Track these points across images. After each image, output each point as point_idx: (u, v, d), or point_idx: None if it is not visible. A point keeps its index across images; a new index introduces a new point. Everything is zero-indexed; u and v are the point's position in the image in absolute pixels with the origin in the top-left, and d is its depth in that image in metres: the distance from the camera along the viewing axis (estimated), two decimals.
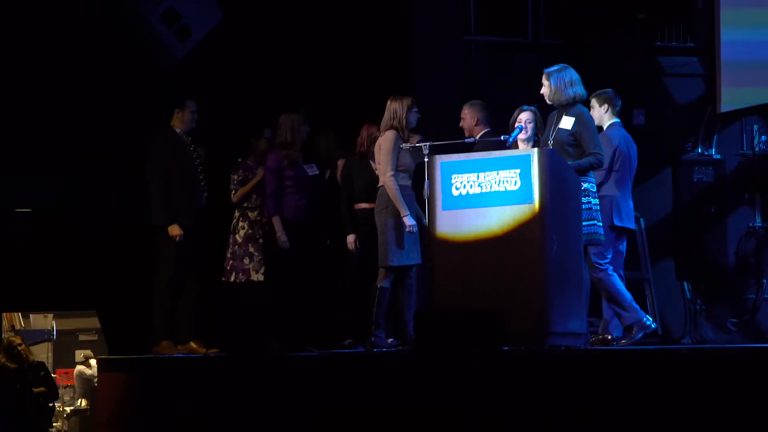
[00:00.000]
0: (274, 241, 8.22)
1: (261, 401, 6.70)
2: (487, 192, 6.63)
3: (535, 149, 6.77)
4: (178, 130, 8.25)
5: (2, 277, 10.02)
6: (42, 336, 14.79)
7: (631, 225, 7.91)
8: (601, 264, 7.33)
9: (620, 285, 7.42)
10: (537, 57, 9.87)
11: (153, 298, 8.16)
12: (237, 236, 8.59)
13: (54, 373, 13.62)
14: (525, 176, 6.55)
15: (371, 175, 8.20)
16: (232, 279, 8.56)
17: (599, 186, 7.44)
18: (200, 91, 8.77)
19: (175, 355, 7.91)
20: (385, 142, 7.89)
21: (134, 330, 8.90)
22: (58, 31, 9.51)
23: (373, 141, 8.14)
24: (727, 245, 10.54)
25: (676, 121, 10.52)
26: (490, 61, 10.20)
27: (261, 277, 8.48)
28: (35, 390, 11.50)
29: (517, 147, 7.37)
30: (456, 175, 6.72)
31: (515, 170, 6.58)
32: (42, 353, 14.49)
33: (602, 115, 7.88)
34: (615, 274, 7.42)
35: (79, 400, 13.93)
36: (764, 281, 10.49)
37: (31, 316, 15.75)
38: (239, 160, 8.74)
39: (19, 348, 11.39)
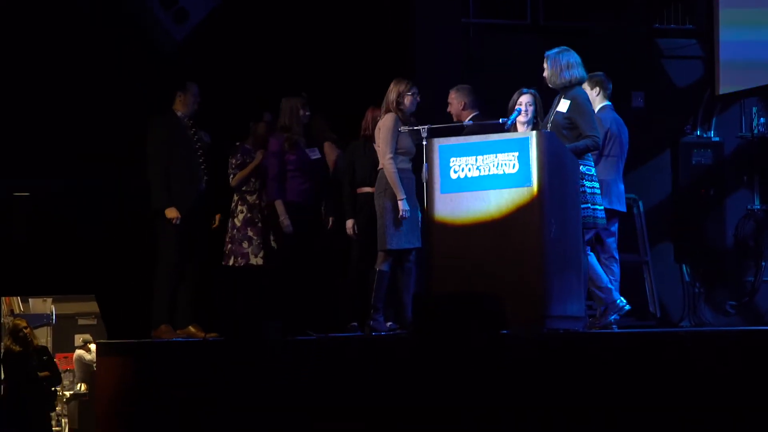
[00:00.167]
0: (275, 225, 8.21)
1: (259, 385, 6.70)
2: (486, 175, 6.62)
3: (534, 132, 6.76)
4: (179, 114, 8.24)
5: (1, 262, 10.02)
6: (41, 320, 14.79)
7: (621, 208, 7.90)
8: None
9: (597, 266, 7.42)
10: (536, 39, 9.84)
11: (153, 282, 8.16)
12: (236, 220, 8.59)
13: (53, 358, 13.63)
14: (523, 159, 6.54)
15: (375, 159, 8.19)
16: (231, 263, 8.56)
17: None
18: (198, 74, 8.75)
19: (174, 339, 7.92)
20: (384, 124, 7.88)
21: (133, 314, 8.90)
22: (57, 30, 9.49)
23: (377, 124, 8.13)
24: (726, 228, 10.55)
25: (675, 103, 10.51)
26: (489, 44, 10.18)
27: (260, 261, 8.48)
28: (40, 374, 11.54)
29: (515, 130, 7.36)
30: (454, 158, 6.71)
31: (513, 153, 6.56)
32: (41, 337, 14.47)
33: (593, 98, 7.86)
34: (592, 254, 7.42)
35: (79, 385, 13.95)
36: (763, 264, 10.49)
37: (30, 300, 15.75)
38: (237, 143, 8.73)
39: (25, 331, 11.42)
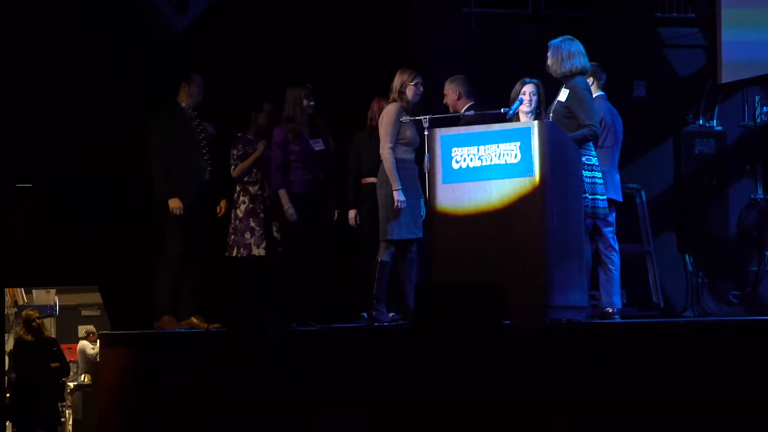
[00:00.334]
0: (278, 215, 8.21)
1: (261, 377, 6.71)
2: (488, 165, 6.61)
3: (536, 122, 6.75)
4: (184, 105, 8.24)
5: (5, 253, 10.03)
6: (45, 312, 14.79)
7: (617, 198, 7.89)
8: None
9: None
10: (537, 29, 9.83)
11: (156, 273, 8.16)
12: (238, 211, 8.58)
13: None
14: (525, 149, 6.53)
15: (371, 148, 8.18)
16: (234, 254, 8.56)
17: None
18: (200, 65, 8.75)
19: (177, 330, 7.92)
20: (386, 114, 7.88)
21: (136, 305, 8.91)
22: (57, 29, 9.49)
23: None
24: (729, 217, 10.53)
25: (677, 92, 10.49)
26: (490, 34, 10.16)
27: (262, 252, 8.47)
28: (52, 365, 11.57)
29: (517, 119, 7.35)
30: (456, 149, 6.70)
31: (515, 143, 6.56)
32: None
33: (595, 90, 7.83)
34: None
35: (82, 376, 13.97)
36: (766, 253, 10.47)
37: (33, 291, 15.76)
38: (239, 134, 8.72)
39: (38, 321, 11.44)
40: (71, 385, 13.90)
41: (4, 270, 10.21)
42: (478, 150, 6.65)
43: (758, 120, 10.58)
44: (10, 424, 11.83)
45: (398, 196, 7.78)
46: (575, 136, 7.04)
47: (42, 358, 11.41)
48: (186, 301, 8.16)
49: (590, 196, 7.15)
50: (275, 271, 8.27)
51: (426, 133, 7.16)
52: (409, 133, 7.86)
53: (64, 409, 13.74)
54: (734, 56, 10.20)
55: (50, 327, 15.33)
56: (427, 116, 7.38)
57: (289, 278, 8.12)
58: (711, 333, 5.74)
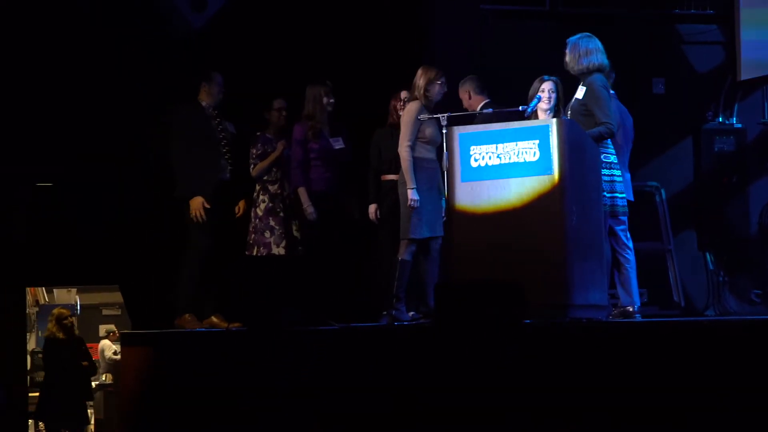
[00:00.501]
0: (299, 213, 8.22)
1: (281, 376, 6.71)
2: (506, 163, 6.61)
3: (554, 119, 6.74)
4: (204, 104, 8.25)
5: (26, 252, 10.08)
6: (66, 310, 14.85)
7: (629, 196, 7.86)
8: None
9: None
10: (555, 26, 9.81)
11: (179, 270, 8.15)
12: (258, 210, 8.59)
13: None
14: (544, 147, 6.52)
15: (391, 145, 8.19)
16: (255, 253, 8.57)
17: None
18: (218, 63, 8.76)
19: (197, 329, 7.93)
20: (406, 113, 7.88)
21: (157, 304, 8.92)
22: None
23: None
24: (750, 215, 10.49)
25: (696, 89, 10.46)
26: (507, 31, 10.14)
27: (282, 251, 8.48)
28: (83, 363, 11.60)
29: (536, 117, 7.34)
30: (474, 147, 6.70)
31: (534, 141, 6.55)
32: None
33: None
34: None
35: (104, 375, 14.00)
36: None
37: (54, 290, 15.82)
38: (258, 133, 8.73)
39: (70, 319, 11.47)
40: (93, 384, 13.95)
41: (26, 269, 10.26)
42: (496, 148, 6.65)
43: None
44: (41, 423, 11.86)
45: (412, 195, 7.78)
46: (591, 133, 7.02)
47: (73, 356, 11.42)
48: (206, 300, 8.16)
49: (609, 195, 7.14)
50: (295, 270, 8.28)
51: (444, 131, 7.16)
52: (429, 131, 7.85)
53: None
54: (753, 53, 10.17)
55: None
56: (446, 114, 7.37)
57: (309, 277, 8.12)
58: (732, 332, 5.72)
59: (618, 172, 7.20)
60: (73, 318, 11.64)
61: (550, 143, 6.51)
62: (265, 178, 8.60)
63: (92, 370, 12.07)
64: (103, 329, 15.15)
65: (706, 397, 5.53)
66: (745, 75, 10.24)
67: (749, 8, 10.22)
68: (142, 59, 9.54)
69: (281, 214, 8.52)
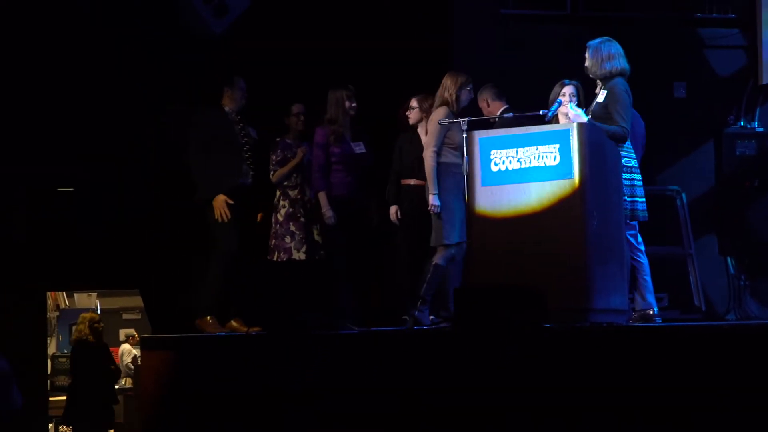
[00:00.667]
0: (320, 218, 8.21)
1: (301, 380, 6.72)
2: (527, 167, 6.59)
3: (575, 123, 6.72)
4: (227, 109, 8.25)
5: (47, 257, 10.11)
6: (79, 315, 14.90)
7: None
8: None
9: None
10: (575, 30, 9.78)
11: (206, 271, 8.11)
12: (278, 215, 8.59)
13: None
14: (564, 151, 6.51)
15: (417, 150, 8.18)
16: (275, 258, 8.56)
17: None
18: (240, 68, 8.77)
19: (217, 333, 7.93)
20: (435, 118, 7.85)
21: (177, 308, 8.93)
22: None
23: (426, 114, 8.11)
24: None
25: (717, 93, 10.42)
26: (528, 35, 10.13)
27: (302, 256, 8.47)
28: (112, 367, 11.62)
29: (557, 122, 7.32)
30: (495, 151, 6.69)
31: (554, 145, 6.54)
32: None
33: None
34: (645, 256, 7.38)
35: (123, 380, 14.02)
36: None
37: (75, 295, 15.87)
38: (277, 139, 8.73)
39: (101, 324, 11.49)
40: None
41: (47, 274, 10.29)
42: (517, 152, 6.64)
43: None
44: (69, 428, 11.84)
45: (433, 200, 7.76)
46: (606, 129, 6.98)
47: (101, 360, 11.43)
48: (228, 303, 8.15)
49: (629, 199, 7.11)
50: (316, 275, 8.28)
51: (464, 135, 7.14)
52: (458, 137, 7.82)
53: None
54: None
55: None
56: (466, 119, 7.37)
57: (329, 281, 8.12)
58: (753, 337, 5.69)
59: (638, 176, 7.17)
60: (102, 324, 11.64)
61: (571, 147, 6.50)
62: (285, 183, 8.60)
63: (117, 374, 12.08)
64: (123, 333, 15.16)
65: (727, 401, 5.51)
66: (767, 79, 10.19)
67: None
68: (142, 59, 9.54)
69: (302, 219, 8.52)
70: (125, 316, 16.04)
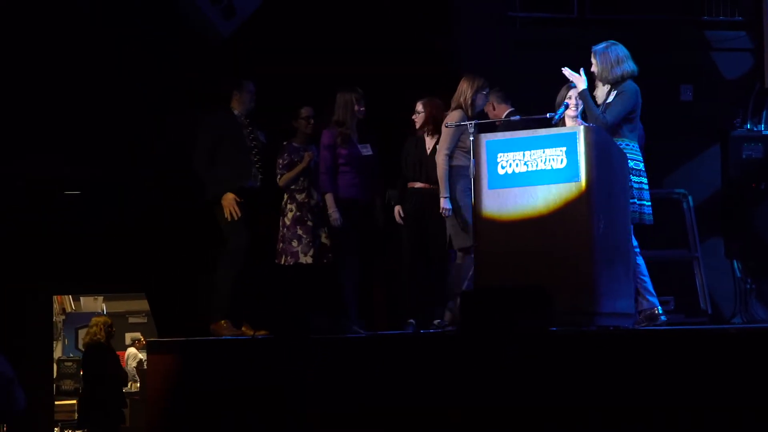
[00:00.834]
0: (328, 221, 8.20)
1: (306, 383, 6.71)
2: (533, 170, 6.58)
3: (581, 126, 6.71)
4: (236, 112, 8.26)
5: (53, 261, 10.12)
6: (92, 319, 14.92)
7: None
8: None
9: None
10: (582, 32, 9.78)
11: (216, 275, 8.10)
12: (286, 219, 8.58)
13: None
14: (571, 154, 6.50)
15: (420, 154, 8.17)
16: (282, 262, 8.56)
17: None
18: (247, 71, 8.78)
19: (223, 337, 7.92)
20: (449, 121, 7.84)
21: (183, 312, 8.93)
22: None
23: (431, 116, 8.10)
24: None
25: (724, 96, 10.40)
26: (535, 38, 10.12)
27: (309, 260, 8.46)
28: (120, 371, 11.64)
29: (563, 125, 7.31)
30: (501, 154, 6.68)
31: (561, 148, 6.53)
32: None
33: (604, 95, 7.58)
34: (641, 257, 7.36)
35: (129, 383, 14.05)
36: None
37: (81, 298, 15.90)
38: (285, 143, 8.73)
39: (113, 328, 11.50)
40: None
41: (53, 277, 10.30)
42: (523, 155, 6.63)
43: None
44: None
45: (444, 204, 7.76)
46: (590, 104, 6.99)
47: (112, 363, 11.45)
48: (240, 306, 8.13)
49: (638, 202, 7.10)
50: (323, 279, 8.27)
51: (471, 138, 7.14)
52: (470, 140, 7.81)
53: None
54: None
55: None
56: (473, 122, 7.36)
57: (336, 285, 8.12)
58: (759, 340, 5.69)
59: (645, 180, 7.16)
60: (114, 329, 11.65)
61: (578, 150, 6.49)
62: (292, 187, 8.59)
63: (126, 377, 12.10)
64: (129, 337, 15.19)
65: (734, 405, 5.50)
66: None
67: None
68: (142, 59, 9.55)
69: (309, 223, 8.51)
70: (131, 320, 16.09)
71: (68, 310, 15.91)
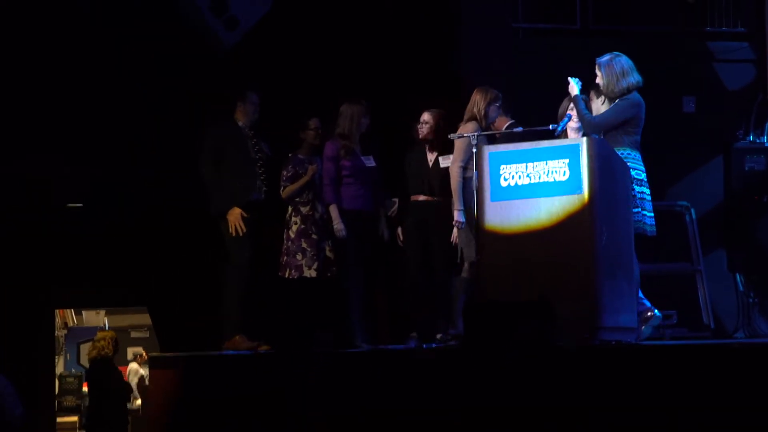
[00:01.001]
0: (332, 234, 8.17)
1: (310, 398, 6.69)
2: (536, 182, 6.58)
3: (584, 138, 6.70)
4: (240, 123, 8.24)
5: (55, 274, 10.09)
6: (94, 333, 14.89)
7: None
8: None
9: None
10: (586, 44, 9.78)
11: (224, 290, 8.07)
12: (290, 232, 8.54)
13: None
14: (574, 166, 6.49)
15: (421, 166, 8.16)
16: (286, 275, 8.52)
17: None
18: (251, 82, 8.76)
19: (224, 352, 7.90)
20: (460, 132, 7.81)
21: (186, 327, 8.91)
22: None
23: (436, 128, 8.09)
24: None
25: (726, 108, 10.40)
26: (538, 49, 10.12)
27: (313, 273, 8.42)
28: (124, 385, 11.61)
29: (566, 136, 7.30)
30: (504, 166, 6.68)
31: (564, 160, 6.52)
32: (93, 350, 14.58)
33: (599, 107, 7.47)
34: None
35: (131, 399, 14.00)
36: None
37: (83, 312, 15.87)
38: (289, 155, 8.70)
39: (118, 343, 11.48)
40: None
41: (55, 291, 10.27)
42: (526, 167, 6.62)
43: None
44: None
45: (458, 216, 7.73)
46: (582, 108, 6.98)
47: (116, 378, 11.42)
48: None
49: (641, 212, 7.08)
50: (327, 293, 8.24)
51: (474, 150, 7.13)
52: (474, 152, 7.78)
53: None
54: None
55: None
56: (476, 133, 7.35)
57: (340, 299, 8.09)
58: (762, 354, 5.67)
59: (647, 190, 7.14)
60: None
61: (581, 162, 6.48)
62: (297, 199, 8.55)
63: (130, 391, 12.07)
64: (131, 352, 15.14)
65: (736, 419, 5.48)
66: None
67: None
68: (142, 59, 9.54)
69: (313, 236, 8.46)
70: (133, 334, 16.04)
71: (70, 324, 15.88)
